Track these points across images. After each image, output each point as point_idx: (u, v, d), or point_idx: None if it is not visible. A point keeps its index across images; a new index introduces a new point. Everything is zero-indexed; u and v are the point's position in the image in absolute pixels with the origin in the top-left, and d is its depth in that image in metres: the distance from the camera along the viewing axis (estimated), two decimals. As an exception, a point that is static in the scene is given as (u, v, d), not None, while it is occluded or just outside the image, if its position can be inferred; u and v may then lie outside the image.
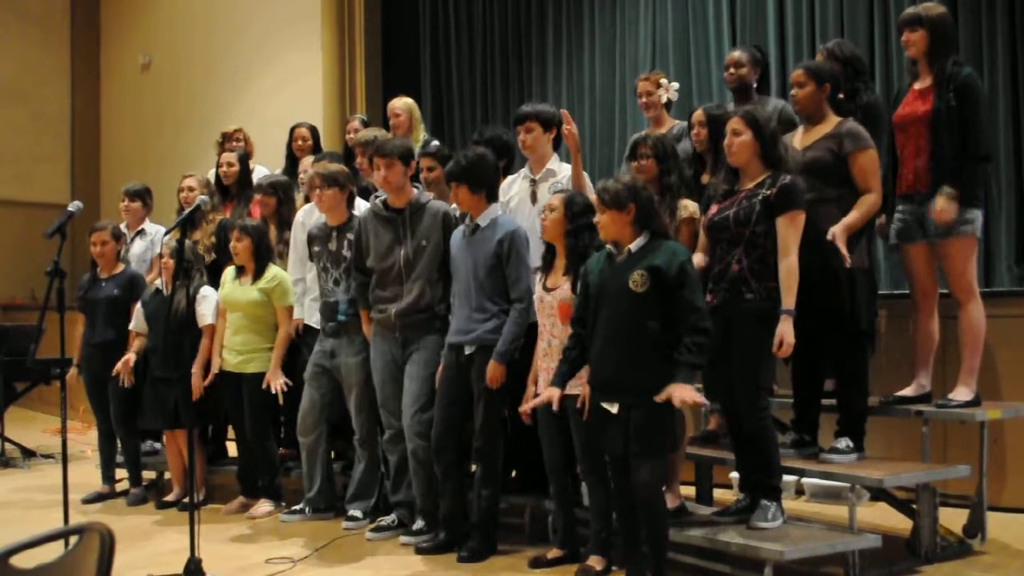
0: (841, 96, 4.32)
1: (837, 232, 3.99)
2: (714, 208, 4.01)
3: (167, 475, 6.06)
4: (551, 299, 4.05)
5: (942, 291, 4.50)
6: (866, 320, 4.20)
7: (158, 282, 5.65)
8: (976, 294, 4.35)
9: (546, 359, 4.07)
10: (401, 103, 5.93)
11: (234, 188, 6.22)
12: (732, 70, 4.94)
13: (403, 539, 4.66)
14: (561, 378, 3.83)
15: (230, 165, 6.20)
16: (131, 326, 5.74)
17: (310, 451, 5.22)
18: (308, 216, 5.45)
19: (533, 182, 4.73)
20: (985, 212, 5.68)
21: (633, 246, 3.63)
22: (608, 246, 3.71)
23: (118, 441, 6.02)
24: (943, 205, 4.15)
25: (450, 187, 4.53)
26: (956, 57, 4.33)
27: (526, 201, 4.73)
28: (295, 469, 5.71)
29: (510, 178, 4.92)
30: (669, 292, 3.52)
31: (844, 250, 3.96)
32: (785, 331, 3.75)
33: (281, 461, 5.68)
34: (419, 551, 4.49)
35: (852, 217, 4.07)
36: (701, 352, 3.50)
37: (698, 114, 4.61)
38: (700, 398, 3.50)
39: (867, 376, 4.32)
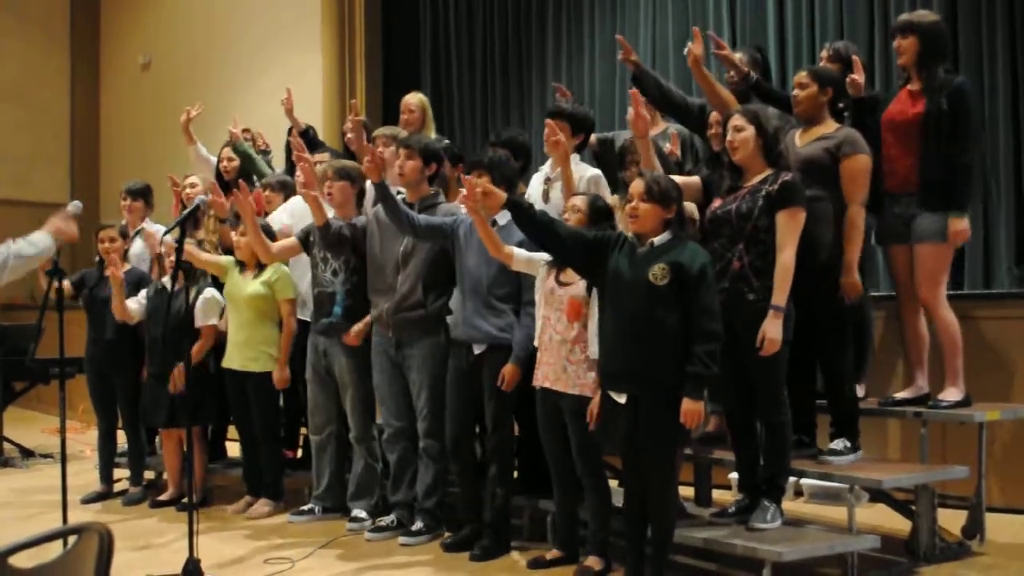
0: (841, 106, 4.33)
1: (854, 280, 4.09)
2: (717, 202, 4.02)
3: (166, 475, 6.05)
4: (562, 293, 4.01)
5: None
6: (839, 318, 4.21)
7: (165, 279, 5.62)
8: (942, 298, 4.36)
9: (546, 353, 4.06)
10: (416, 99, 5.89)
11: (234, 182, 6.21)
12: (732, 72, 4.93)
13: (402, 540, 4.67)
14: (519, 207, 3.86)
15: (230, 159, 6.19)
16: (129, 302, 5.66)
17: (320, 449, 5.22)
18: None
19: (548, 180, 4.73)
20: (984, 215, 5.75)
21: (657, 240, 3.64)
22: (630, 237, 3.72)
23: (119, 440, 6.02)
24: (956, 227, 4.21)
25: (469, 175, 4.50)
26: (947, 65, 4.36)
27: (538, 201, 4.74)
28: (297, 470, 5.74)
29: (539, 171, 4.94)
30: (687, 289, 3.53)
31: (859, 288, 4.11)
32: (769, 328, 3.76)
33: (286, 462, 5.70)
34: (445, 548, 4.49)
35: (851, 252, 4.11)
36: (712, 360, 3.51)
37: (715, 114, 4.61)
38: (705, 420, 3.58)
39: (850, 373, 4.32)
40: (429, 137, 5.34)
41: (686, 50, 4.53)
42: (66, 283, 5.79)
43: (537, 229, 3.83)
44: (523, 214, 3.83)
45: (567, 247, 3.81)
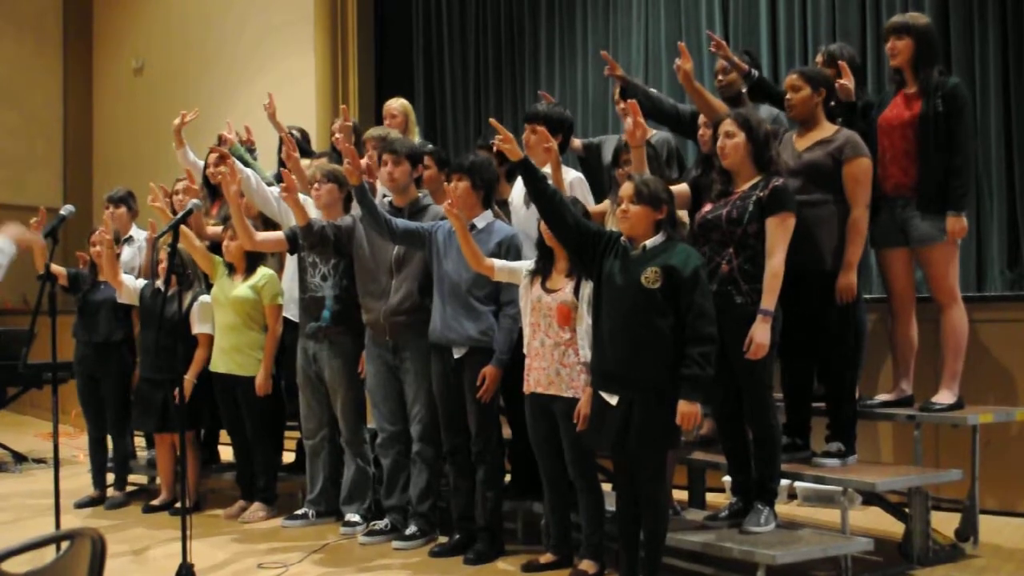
0: (833, 104, 4.35)
1: (851, 281, 4.11)
2: (707, 207, 4.02)
3: (159, 480, 6.03)
4: (550, 300, 4.01)
5: (923, 295, 4.54)
6: (846, 325, 4.22)
7: (159, 283, 5.60)
8: (958, 299, 4.39)
9: (537, 358, 4.05)
10: (398, 104, 5.89)
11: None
12: (720, 77, 4.95)
13: (396, 544, 4.66)
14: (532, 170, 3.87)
15: (215, 164, 6.17)
16: (123, 277, 5.64)
17: (313, 453, 5.21)
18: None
19: None
20: (977, 218, 5.78)
21: (649, 243, 3.65)
22: (623, 240, 3.73)
23: (109, 445, 6.01)
24: (955, 226, 4.23)
25: (450, 180, 4.50)
26: (941, 67, 4.37)
27: (521, 205, 4.73)
28: (291, 474, 5.73)
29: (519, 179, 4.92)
30: (680, 292, 3.54)
31: (854, 290, 4.12)
32: (758, 332, 3.76)
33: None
34: (433, 555, 4.49)
35: (851, 253, 4.14)
36: (708, 362, 3.51)
37: (703, 116, 4.61)
38: (700, 423, 3.63)
39: (854, 380, 4.33)
40: (412, 140, 5.32)
41: (676, 65, 4.54)
42: (61, 270, 5.81)
43: (547, 202, 3.81)
44: (536, 182, 3.82)
45: (570, 230, 3.80)
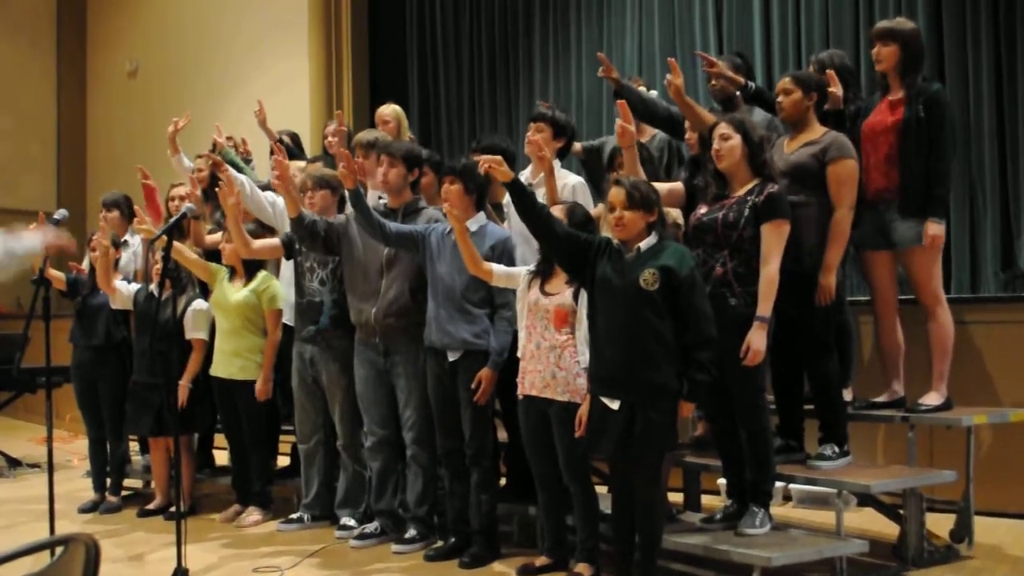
0: (827, 108, 4.36)
1: (830, 283, 4.10)
2: (703, 209, 4.02)
3: (154, 484, 6.02)
4: (547, 303, 4.01)
5: (908, 296, 4.56)
6: (828, 325, 4.23)
7: (153, 286, 5.59)
8: (943, 300, 4.42)
9: (532, 361, 4.04)
10: (389, 110, 5.90)
11: (210, 192, 6.18)
12: (714, 80, 4.95)
13: (395, 548, 4.65)
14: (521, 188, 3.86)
15: (199, 170, 6.17)
16: (117, 282, 5.62)
17: (308, 457, 5.20)
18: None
19: (529, 186, 4.72)
20: (971, 220, 5.79)
21: (643, 245, 3.66)
22: (615, 243, 3.73)
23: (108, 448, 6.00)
24: (936, 231, 4.24)
25: (442, 182, 4.51)
26: (924, 73, 4.41)
27: None
28: (286, 478, 5.72)
29: (520, 176, 4.91)
30: (677, 293, 3.56)
31: (832, 291, 4.12)
32: (754, 338, 3.78)
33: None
34: (428, 558, 4.49)
35: (832, 254, 4.13)
36: (715, 366, 3.56)
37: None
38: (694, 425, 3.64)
39: (840, 381, 4.34)
40: (410, 143, 5.32)
41: (666, 81, 4.54)
42: (59, 275, 5.80)
43: (535, 218, 3.81)
44: (525, 199, 3.82)
45: (559, 242, 3.81)
